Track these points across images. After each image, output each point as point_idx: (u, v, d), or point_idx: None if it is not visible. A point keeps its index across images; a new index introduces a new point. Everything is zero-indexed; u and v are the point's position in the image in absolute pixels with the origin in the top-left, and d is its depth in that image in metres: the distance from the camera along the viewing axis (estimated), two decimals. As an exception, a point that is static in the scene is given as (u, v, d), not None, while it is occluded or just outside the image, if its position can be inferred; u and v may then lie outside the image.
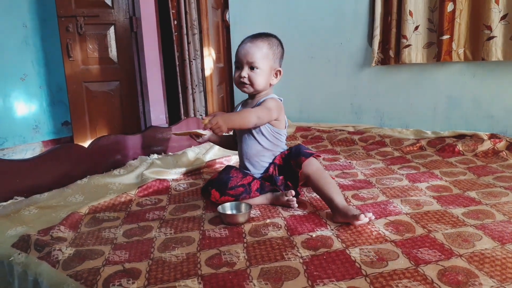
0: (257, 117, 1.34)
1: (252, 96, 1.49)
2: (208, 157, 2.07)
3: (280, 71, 1.47)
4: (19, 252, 1.10)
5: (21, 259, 1.07)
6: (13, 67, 3.39)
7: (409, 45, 2.38)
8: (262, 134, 1.43)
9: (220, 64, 4.51)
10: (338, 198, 1.23)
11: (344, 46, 2.72)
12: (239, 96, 3.25)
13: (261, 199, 1.39)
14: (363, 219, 1.14)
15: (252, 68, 1.40)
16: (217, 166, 1.90)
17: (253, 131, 1.43)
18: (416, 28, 2.37)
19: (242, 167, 1.50)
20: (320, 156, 1.39)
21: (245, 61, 1.40)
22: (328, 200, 1.26)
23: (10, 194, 1.53)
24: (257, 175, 1.46)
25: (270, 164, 1.45)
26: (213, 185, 1.36)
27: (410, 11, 2.34)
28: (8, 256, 1.10)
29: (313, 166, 1.32)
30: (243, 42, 1.44)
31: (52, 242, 1.11)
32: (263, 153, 1.45)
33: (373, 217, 1.17)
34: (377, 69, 2.61)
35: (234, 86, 3.24)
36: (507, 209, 1.24)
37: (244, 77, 1.40)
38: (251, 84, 1.42)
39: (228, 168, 1.49)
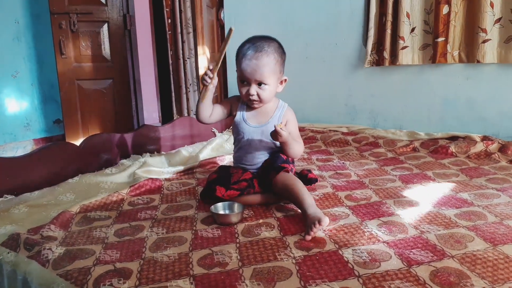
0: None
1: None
2: (201, 157, 2.06)
3: (286, 79, 1.47)
4: (8, 251, 1.08)
5: (11, 258, 1.06)
6: (5, 64, 3.36)
7: (406, 47, 2.39)
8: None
9: (214, 63, 4.50)
10: (307, 201, 1.22)
11: (339, 46, 2.72)
12: (232, 89, 3.24)
13: (260, 197, 1.39)
14: (320, 227, 1.10)
15: (260, 84, 1.38)
16: (211, 165, 1.90)
17: (267, 132, 1.42)
18: (413, 29, 2.38)
19: (238, 162, 1.51)
20: (291, 168, 1.40)
21: (252, 80, 1.37)
22: (298, 204, 1.25)
23: (0, 193, 1.52)
24: (253, 170, 1.46)
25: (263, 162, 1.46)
26: (216, 183, 1.35)
27: (407, 12, 2.35)
28: (-3, 255, 1.08)
29: (282, 180, 1.31)
30: (245, 56, 1.36)
31: (42, 241, 1.10)
32: (265, 149, 1.46)
33: (323, 225, 1.11)
34: (372, 70, 2.62)
35: (228, 85, 3.23)
36: (499, 211, 1.24)
37: (253, 94, 1.38)
38: (260, 100, 1.41)
39: (224, 167, 1.50)
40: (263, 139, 1.45)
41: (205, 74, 1.37)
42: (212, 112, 1.46)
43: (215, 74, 1.38)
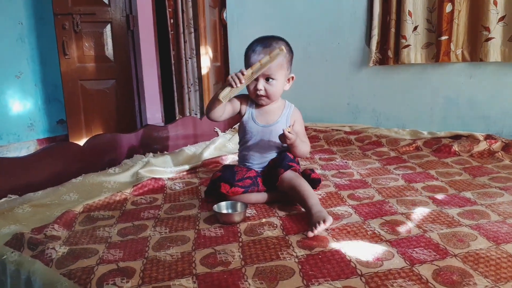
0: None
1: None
2: (204, 156, 2.06)
3: (293, 77, 1.48)
4: (12, 250, 1.09)
5: (14, 258, 1.06)
6: (8, 65, 3.37)
7: (408, 45, 2.38)
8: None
9: (217, 63, 4.50)
10: (311, 200, 1.22)
11: (341, 46, 2.72)
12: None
13: (263, 195, 1.39)
14: (323, 226, 1.10)
15: (267, 79, 1.39)
16: (214, 165, 1.90)
17: (276, 131, 1.43)
18: (415, 28, 2.37)
19: (243, 161, 1.51)
20: (298, 168, 1.40)
21: (261, 73, 1.37)
22: (303, 203, 1.25)
23: (4, 192, 1.52)
24: (258, 169, 1.47)
25: (269, 161, 1.47)
26: (221, 180, 1.36)
27: (409, 11, 2.34)
28: (1, 254, 1.09)
29: (288, 178, 1.32)
30: (255, 51, 1.38)
31: (46, 241, 1.10)
32: (273, 149, 1.47)
33: (327, 225, 1.11)
34: (374, 69, 2.61)
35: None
36: (502, 210, 1.24)
37: (261, 89, 1.39)
38: (268, 96, 1.42)
39: (228, 166, 1.52)
40: (271, 139, 1.45)
41: (236, 75, 1.29)
42: (224, 110, 1.42)
43: (247, 81, 1.31)
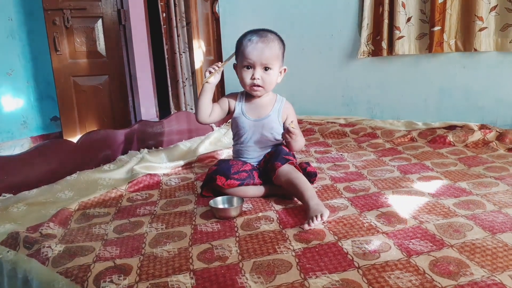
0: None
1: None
2: (199, 151, 2.06)
3: (285, 69, 1.48)
4: (8, 249, 1.08)
5: (10, 257, 1.06)
6: (-1, 62, 3.33)
7: (402, 37, 2.38)
8: (276, 131, 1.46)
9: (210, 57, 4.48)
10: (308, 193, 1.22)
11: (335, 37, 2.71)
12: (229, 89, 3.22)
13: (259, 189, 1.39)
14: (320, 219, 1.10)
15: (266, 68, 1.39)
16: (209, 160, 1.89)
17: (268, 125, 1.44)
18: (409, 19, 2.36)
19: (238, 156, 1.51)
20: (295, 161, 1.40)
21: (259, 62, 1.37)
22: (300, 196, 1.25)
23: (-2, 191, 1.51)
24: (254, 163, 1.47)
25: (265, 155, 1.47)
26: (217, 173, 1.36)
27: (402, 2, 2.34)
28: (-3, 254, 1.08)
29: (285, 172, 1.32)
30: (251, 40, 1.38)
31: (42, 239, 1.10)
32: (266, 143, 1.47)
33: (324, 219, 1.12)
34: (368, 61, 2.61)
35: (225, 79, 3.21)
36: (497, 199, 1.24)
37: (259, 78, 1.38)
38: (264, 85, 1.41)
39: (223, 160, 1.52)
40: (264, 133, 1.45)
41: (214, 64, 1.41)
42: (212, 111, 1.45)
43: (222, 66, 1.42)
